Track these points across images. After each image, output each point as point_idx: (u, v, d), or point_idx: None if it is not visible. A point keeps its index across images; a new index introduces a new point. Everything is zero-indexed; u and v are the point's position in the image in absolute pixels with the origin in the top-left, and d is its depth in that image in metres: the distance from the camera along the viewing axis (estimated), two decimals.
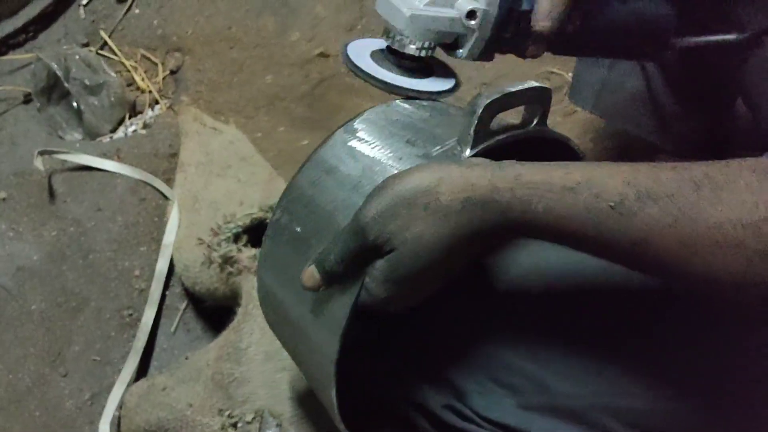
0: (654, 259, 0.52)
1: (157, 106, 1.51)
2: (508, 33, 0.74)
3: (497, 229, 0.55)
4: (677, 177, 0.52)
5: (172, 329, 1.20)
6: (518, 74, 1.45)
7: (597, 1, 0.78)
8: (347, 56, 0.74)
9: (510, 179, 0.55)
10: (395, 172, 0.61)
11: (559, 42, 0.76)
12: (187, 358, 1.08)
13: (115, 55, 1.55)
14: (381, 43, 0.75)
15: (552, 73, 1.45)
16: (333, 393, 0.64)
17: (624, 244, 0.52)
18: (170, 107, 1.48)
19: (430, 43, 0.72)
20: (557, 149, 0.70)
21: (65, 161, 1.32)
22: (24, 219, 1.28)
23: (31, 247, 1.25)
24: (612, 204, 0.52)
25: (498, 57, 0.77)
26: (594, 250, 0.55)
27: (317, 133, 1.42)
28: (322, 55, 1.52)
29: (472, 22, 0.71)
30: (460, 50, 0.74)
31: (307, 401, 0.92)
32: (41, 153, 1.28)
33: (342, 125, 0.72)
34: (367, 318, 0.65)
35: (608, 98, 1.08)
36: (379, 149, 0.67)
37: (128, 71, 1.54)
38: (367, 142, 0.69)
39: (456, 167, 0.57)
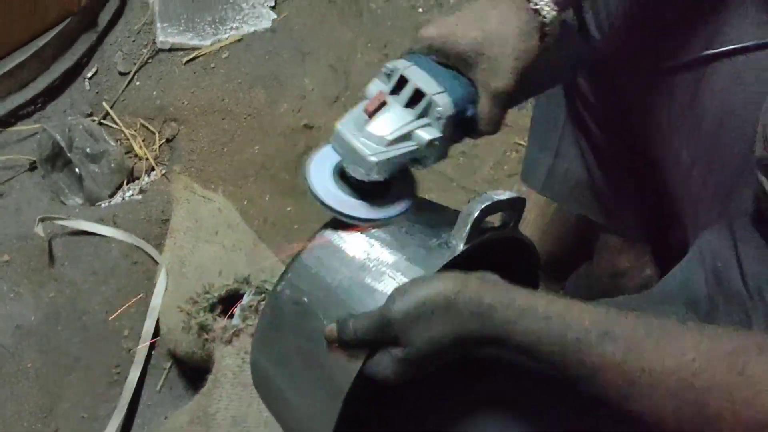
0: (603, 390, 0.62)
1: (153, 173, 1.62)
2: (457, 139, 0.81)
3: (487, 338, 0.66)
4: (635, 322, 0.61)
5: (158, 388, 1.29)
6: (489, 144, 1.57)
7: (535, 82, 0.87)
8: (309, 182, 0.77)
9: (507, 301, 0.65)
10: (397, 258, 0.73)
11: None
12: (166, 418, 1.17)
13: (116, 124, 1.67)
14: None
15: (519, 144, 1.55)
16: None
17: (581, 371, 0.62)
18: (164, 174, 1.59)
19: (391, 172, 0.77)
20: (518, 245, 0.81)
21: (65, 226, 1.43)
22: (24, 281, 1.38)
23: (29, 308, 1.35)
24: (577, 337, 0.62)
25: None
26: (557, 372, 0.64)
27: (301, 200, 1.53)
28: (307, 126, 1.63)
29: (431, 149, 0.76)
30: (421, 166, 0.79)
31: None
32: (42, 219, 1.39)
33: None
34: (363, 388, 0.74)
35: (556, 183, 1.17)
36: (382, 235, 0.76)
37: (128, 139, 1.65)
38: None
39: (473, 281, 0.67)
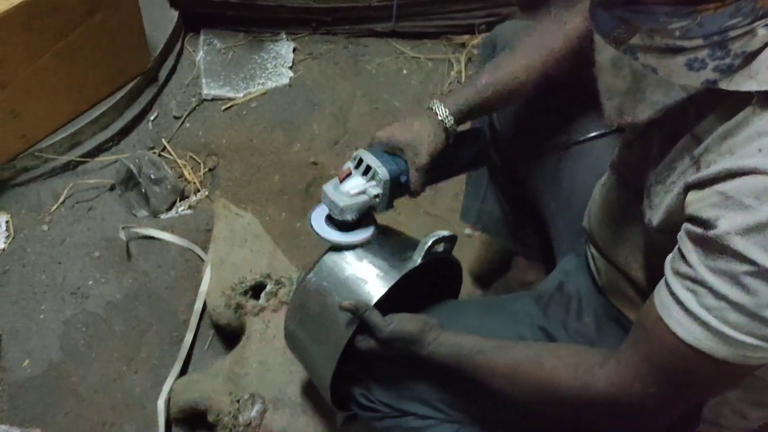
0: (479, 379, 1.11)
1: (199, 193, 2.17)
2: (398, 195, 1.23)
3: (420, 356, 1.17)
4: (495, 344, 1.13)
5: (205, 347, 1.84)
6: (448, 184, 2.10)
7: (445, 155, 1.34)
8: (311, 224, 1.21)
9: (435, 338, 1.16)
10: (380, 265, 1.20)
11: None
12: (212, 365, 1.73)
13: (171, 155, 2.22)
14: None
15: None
16: (329, 384, 1.21)
17: (467, 370, 1.14)
18: (207, 196, 2.14)
19: (356, 214, 1.19)
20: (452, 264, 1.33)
21: (138, 232, 1.99)
22: (110, 270, 1.94)
23: (114, 289, 1.91)
24: (465, 353, 1.13)
25: None
26: (460, 375, 1.15)
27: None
28: (314, 163, 2.19)
29: (377, 200, 1.19)
30: (376, 211, 1.22)
31: (282, 390, 1.56)
32: (123, 228, 1.96)
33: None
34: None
35: (482, 220, 1.70)
36: (369, 254, 1.22)
37: (180, 168, 2.21)
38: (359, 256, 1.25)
39: (420, 323, 1.16)
